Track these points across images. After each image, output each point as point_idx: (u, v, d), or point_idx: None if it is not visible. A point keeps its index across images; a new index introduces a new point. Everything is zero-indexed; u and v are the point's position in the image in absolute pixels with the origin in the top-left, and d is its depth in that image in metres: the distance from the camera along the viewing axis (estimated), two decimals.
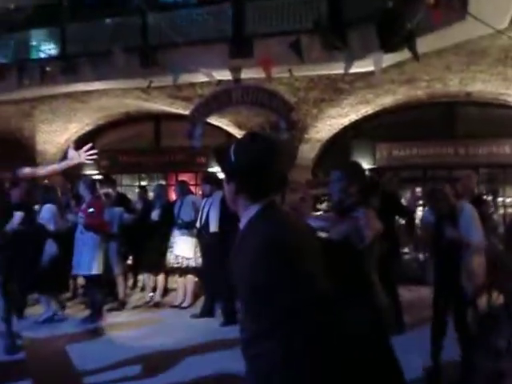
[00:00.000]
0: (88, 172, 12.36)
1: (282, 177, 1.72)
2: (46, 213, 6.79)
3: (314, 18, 9.04)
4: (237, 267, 1.66)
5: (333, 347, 1.59)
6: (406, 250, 9.62)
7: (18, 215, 6.31)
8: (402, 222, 7.21)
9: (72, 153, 4.22)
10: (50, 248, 6.63)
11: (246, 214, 1.70)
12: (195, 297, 7.63)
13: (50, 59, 10.68)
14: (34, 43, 11.10)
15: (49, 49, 10.99)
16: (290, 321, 1.53)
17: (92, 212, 6.69)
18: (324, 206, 9.15)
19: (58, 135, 12.75)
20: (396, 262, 6.17)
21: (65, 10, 10.95)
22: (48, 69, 9.81)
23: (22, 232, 6.33)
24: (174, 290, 8.06)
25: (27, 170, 4.50)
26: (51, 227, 6.70)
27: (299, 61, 8.41)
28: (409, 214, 6.65)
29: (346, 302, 1.88)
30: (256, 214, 1.67)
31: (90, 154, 4.16)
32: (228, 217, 6.51)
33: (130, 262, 8.33)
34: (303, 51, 8.31)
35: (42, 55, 10.91)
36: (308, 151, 10.91)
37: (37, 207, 7.26)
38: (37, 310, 7.07)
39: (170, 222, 7.54)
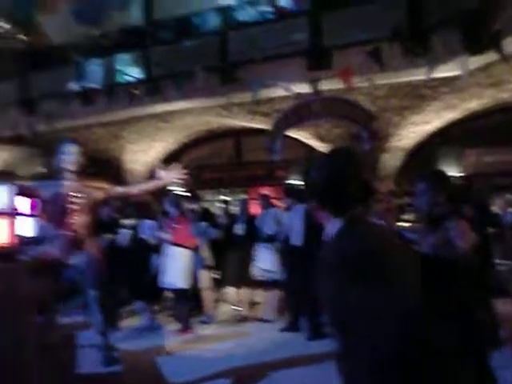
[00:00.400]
0: (173, 188, 12.77)
1: (365, 188, 1.69)
2: (147, 228, 7.14)
3: (392, 25, 8.88)
4: (321, 282, 1.65)
5: (423, 362, 1.53)
6: (499, 260, 9.11)
7: (127, 233, 6.75)
8: (493, 230, 6.85)
9: (161, 173, 4.41)
10: (156, 261, 6.97)
11: (331, 228, 1.69)
12: (281, 310, 7.61)
13: (136, 82, 11.22)
14: (120, 68, 11.69)
15: (135, 72, 11.52)
16: (376, 335, 1.50)
17: (178, 227, 6.90)
18: (409, 216, 8.86)
19: (144, 154, 13.31)
20: (490, 273, 5.85)
21: (148, 35, 11.46)
22: (135, 91, 10.29)
23: (119, 247, 6.71)
24: (260, 303, 8.09)
25: (120, 190, 4.75)
26: (152, 242, 7.04)
27: (379, 69, 8.27)
28: (501, 222, 6.31)
29: (439, 316, 1.81)
30: (340, 229, 1.66)
31: (179, 174, 4.33)
32: (311, 230, 6.48)
33: (215, 275, 8.47)
34: (383, 59, 8.17)
35: (129, 79, 11.47)
36: (390, 160, 10.67)
37: (128, 222, 7.62)
38: (130, 321, 7.36)
39: (253, 236, 7.61)
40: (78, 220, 4.60)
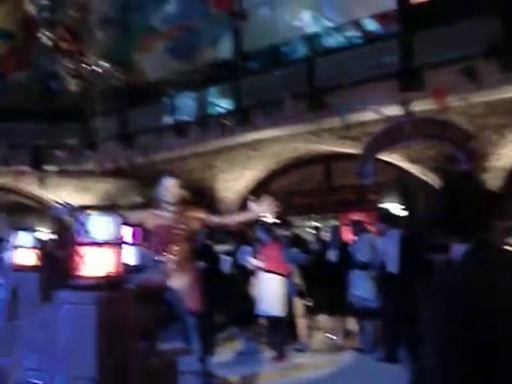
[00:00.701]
0: (264, 215, 12.90)
1: (489, 212, 1.62)
2: (246, 254, 7.29)
3: (486, 41, 8.54)
4: (425, 309, 1.61)
5: None
6: None
7: (228, 260, 6.95)
8: None
9: (253, 205, 4.48)
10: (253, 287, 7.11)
11: (455, 253, 1.64)
12: (377, 340, 7.37)
13: (227, 113, 11.58)
14: (211, 100, 12.12)
15: (226, 103, 11.89)
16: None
17: (270, 254, 6.93)
18: None
19: (236, 183, 13.59)
20: None
21: (238, 67, 11.81)
22: (226, 122, 10.61)
23: (219, 273, 6.88)
24: (355, 332, 7.89)
25: (216, 220, 4.88)
26: (251, 267, 7.19)
27: (474, 87, 7.96)
28: None
29: None
30: (464, 254, 1.60)
31: (270, 206, 4.39)
32: (408, 256, 6.26)
33: (308, 302, 8.38)
34: (478, 76, 7.86)
35: (220, 110, 11.86)
36: (490, 180, 10.12)
37: (221, 248, 7.80)
38: (227, 347, 7.43)
39: (346, 262, 7.47)
40: (178, 248, 4.75)
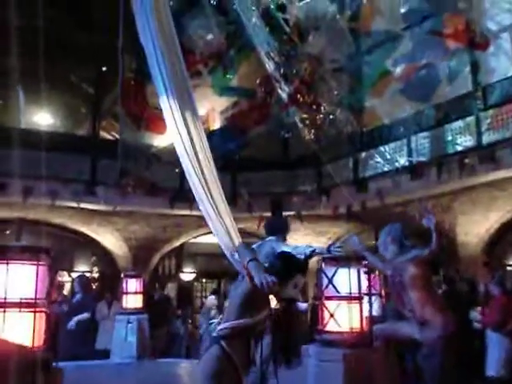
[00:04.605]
0: None
1: None
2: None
3: None
4: None
5: None
6: None
7: None
8: None
9: None
10: None
11: None
12: None
13: (466, 151, 10.76)
14: (449, 138, 11.38)
15: (465, 140, 11.06)
16: None
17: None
18: None
19: (478, 225, 12.43)
20: None
21: (477, 101, 10.94)
22: (466, 161, 9.84)
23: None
24: None
25: None
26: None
27: None
28: None
29: None
30: None
31: None
32: None
33: None
34: None
35: (458, 148, 11.07)
36: None
37: None
38: None
39: None
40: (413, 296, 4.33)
